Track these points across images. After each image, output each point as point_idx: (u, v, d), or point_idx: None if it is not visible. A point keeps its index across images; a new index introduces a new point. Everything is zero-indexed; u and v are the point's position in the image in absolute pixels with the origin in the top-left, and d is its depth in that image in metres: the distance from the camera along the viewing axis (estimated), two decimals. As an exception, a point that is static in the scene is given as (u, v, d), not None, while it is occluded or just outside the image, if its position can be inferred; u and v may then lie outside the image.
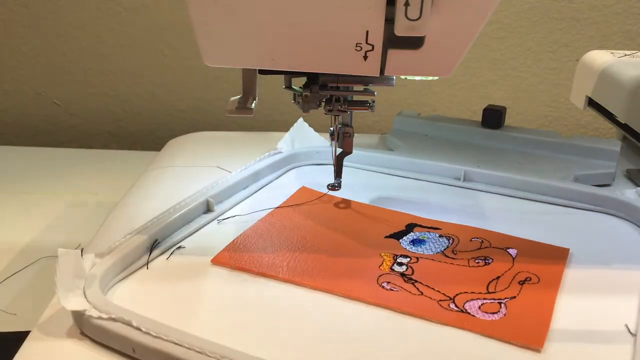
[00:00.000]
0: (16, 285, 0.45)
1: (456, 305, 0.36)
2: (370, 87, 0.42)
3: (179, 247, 0.42)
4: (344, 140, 0.45)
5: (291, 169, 0.55)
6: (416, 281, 0.38)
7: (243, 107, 0.41)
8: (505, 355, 0.32)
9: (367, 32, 0.34)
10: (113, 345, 0.31)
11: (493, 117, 0.59)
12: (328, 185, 0.47)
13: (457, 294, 0.37)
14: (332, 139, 0.46)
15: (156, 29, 0.81)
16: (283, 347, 0.32)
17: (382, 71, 0.36)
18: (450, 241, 0.43)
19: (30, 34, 0.81)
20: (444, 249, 0.42)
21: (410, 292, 0.37)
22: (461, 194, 0.51)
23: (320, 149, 0.56)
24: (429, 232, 0.44)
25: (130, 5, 0.80)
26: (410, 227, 0.45)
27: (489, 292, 0.37)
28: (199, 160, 0.56)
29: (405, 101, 0.84)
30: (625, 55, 0.62)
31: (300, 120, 0.58)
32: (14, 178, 0.68)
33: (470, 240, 0.43)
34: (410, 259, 0.41)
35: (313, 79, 0.41)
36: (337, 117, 0.44)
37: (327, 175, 0.52)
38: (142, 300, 0.36)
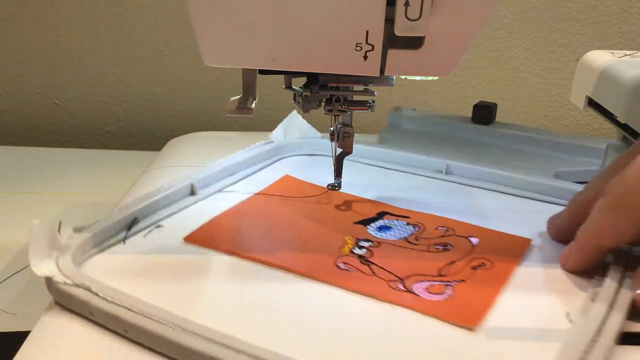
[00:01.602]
0: (16, 285, 0.45)
1: (404, 286, 0.37)
2: (370, 87, 0.42)
3: (158, 226, 0.43)
4: (344, 140, 0.45)
5: (281, 159, 0.56)
6: (372, 263, 0.39)
7: (243, 107, 0.41)
8: (441, 334, 0.32)
9: (367, 32, 0.34)
10: (75, 309, 0.34)
11: (483, 113, 0.60)
12: (328, 185, 0.47)
13: (408, 276, 0.38)
14: (332, 139, 0.46)
15: (156, 29, 0.81)
16: (234, 317, 0.34)
17: (382, 71, 0.36)
18: (417, 229, 0.44)
19: (30, 34, 0.81)
20: (408, 236, 0.43)
21: (364, 273, 0.38)
22: (441, 187, 0.51)
23: (311, 140, 0.57)
24: (397, 219, 0.45)
25: (130, 5, 0.80)
26: (381, 215, 0.46)
27: (440, 275, 0.38)
28: (199, 160, 0.56)
29: (405, 101, 0.84)
30: (625, 55, 0.62)
31: (294, 112, 0.59)
32: (14, 178, 0.68)
33: (436, 229, 0.44)
34: (373, 243, 0.42)
35: (313, 79, 0.41)
36: (337, 117, 0.44)
37: (317, 165, 0.54)
38: (114, 273, 0.38)
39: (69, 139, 0.87)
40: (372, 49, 0.35)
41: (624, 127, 0.57)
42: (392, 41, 0.35)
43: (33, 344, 0.32)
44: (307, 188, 0.50)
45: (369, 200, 0.48)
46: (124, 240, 0.41)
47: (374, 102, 0.43)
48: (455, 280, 0.37)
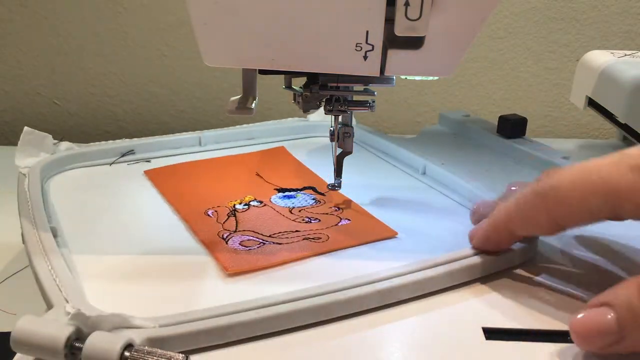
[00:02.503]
0: (16, 285, 0.45)
1: (227, 236, 0.39)
2: (370, 87, 0.42)
3: (147, 161, 0.50)
4: (343, 140, 0.45)
5: (309, 137, 0.59)
6: (234, 216, 0.41)
7: (243, 107, 0.41)
8: (206, 271, 0.36)
9: (367, 32, 0.34)
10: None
11: (506, 127, 0.58)
12: (328, 185, 0.47)
13: (243, 231, 0.40)
14: (332, 139, 0.46)
15: (156, 29, 0.81)
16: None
17: (382, 71, 0.36)
18: (315, 204, 0.45)
19: (30, 34, 0.81)
20: (295, 207, 0.44)
21: (217, 221, 0.41)
22: (408, 184, 0.50)
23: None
24: (311, 193, 0.47)
25: (130, 5, 0.80)
26: (304, 188, 0.48)
27: (269, 237, 0.39)
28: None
29: (405, 101, 0.84)
30: (625, 55, 0.62)
31: None
32: (14, 178, 0.68)
33: (330, 207, 0.45)
34: (260, 204, 0.44)
35: (313, 79, 0.41)
36: (337, 117, 0.44)
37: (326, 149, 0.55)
38: (79, 182, 0.47)
39: (69, 139, 0.87)
40: (372, 49, 0.35)
41: (624, 127, 0.57)
42: (392, 41, 0.35)
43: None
44: (292, 164, 0.51)
45: (312, 174, 0.49)
46: (111, 163, 0.49)
47: (374, 102, 0.43)
48: (275, 242, 0.38)
